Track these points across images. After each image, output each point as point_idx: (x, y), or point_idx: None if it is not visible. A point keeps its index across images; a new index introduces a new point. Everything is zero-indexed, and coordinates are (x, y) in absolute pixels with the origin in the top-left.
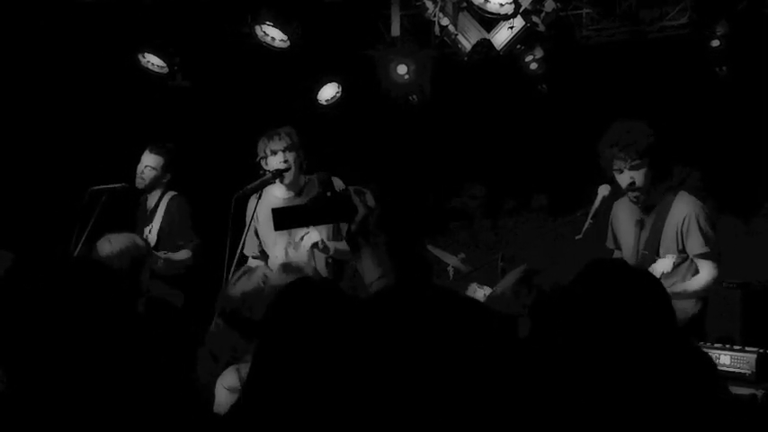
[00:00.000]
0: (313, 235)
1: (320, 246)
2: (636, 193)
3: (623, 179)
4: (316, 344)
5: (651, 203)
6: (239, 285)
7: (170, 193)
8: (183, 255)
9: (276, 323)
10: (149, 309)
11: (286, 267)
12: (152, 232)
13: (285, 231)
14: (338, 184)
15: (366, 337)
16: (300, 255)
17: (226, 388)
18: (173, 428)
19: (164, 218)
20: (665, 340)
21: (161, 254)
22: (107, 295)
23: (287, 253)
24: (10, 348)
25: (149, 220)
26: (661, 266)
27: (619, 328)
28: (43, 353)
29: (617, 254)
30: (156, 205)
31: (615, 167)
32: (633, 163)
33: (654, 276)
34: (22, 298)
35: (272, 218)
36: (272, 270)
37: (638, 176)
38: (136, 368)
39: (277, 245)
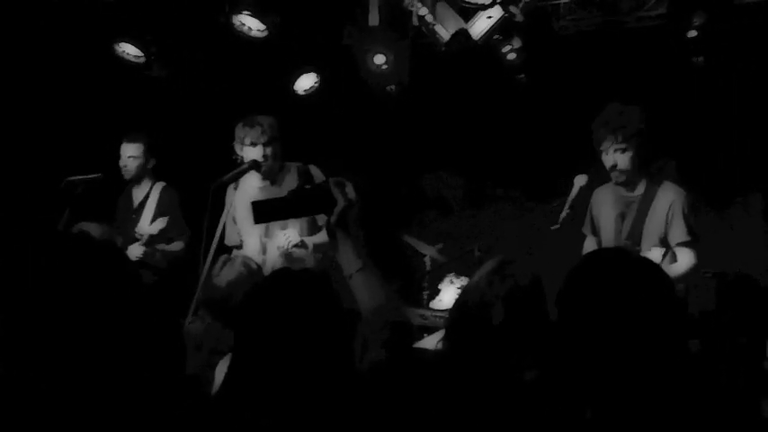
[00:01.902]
0: (291, 236)
1: (300, 245)
2: (617, 173)
3: (608, 160)
4: (295, 333)
5: (633, 195)
6: (223, 276)
7: (159, 184)
8: (177, 246)
9: (254, 312)
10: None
11: (287, 257)
12: (147, 224)
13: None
14: (317, 174)
15: None
16: (275, 255)
17: None
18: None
19: (156, 209)
20: (675, 330)
21: (158, 246)
22: (98, 268)
23: (262, 244)
24: (8, 336)
25: (139, 212)
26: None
27: (627, 319)
28: (44, 338)
29: (591, 239)
30: (147, 196)
31: (602, 147)
32: (619, 146)
33: (656, 264)
34: (13, 284)
35: (249, 208)
36: (251, 258)
37: (622, 159)
38: (137, 354)
39: (251, 235)
